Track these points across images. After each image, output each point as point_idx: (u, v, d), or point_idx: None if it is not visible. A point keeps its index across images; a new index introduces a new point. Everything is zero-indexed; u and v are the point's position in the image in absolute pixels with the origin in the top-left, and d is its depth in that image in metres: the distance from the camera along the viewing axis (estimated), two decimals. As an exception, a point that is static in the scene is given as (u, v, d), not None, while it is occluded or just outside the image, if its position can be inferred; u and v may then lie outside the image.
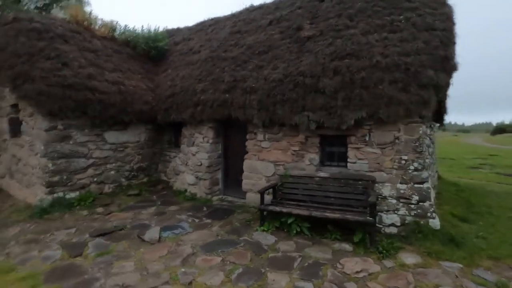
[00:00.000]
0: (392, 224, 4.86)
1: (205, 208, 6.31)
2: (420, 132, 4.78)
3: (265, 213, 5.21)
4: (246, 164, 6.43)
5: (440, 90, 4.85)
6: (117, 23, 9.07)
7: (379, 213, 4.96)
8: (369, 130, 5.13)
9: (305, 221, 4.88)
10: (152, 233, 4.86)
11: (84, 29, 7.95)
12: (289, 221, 4.89)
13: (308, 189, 5.39)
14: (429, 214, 4.64)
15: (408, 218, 4.76)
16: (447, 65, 5.01)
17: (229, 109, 6.23)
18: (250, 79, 6.18)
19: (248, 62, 6.61)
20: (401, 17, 5.62)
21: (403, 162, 4.86)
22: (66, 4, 20.13)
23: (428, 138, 6.36)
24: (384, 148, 5.02)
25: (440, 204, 6.10)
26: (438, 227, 4.61)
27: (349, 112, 4.99)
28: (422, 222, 4.64)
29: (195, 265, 3.90)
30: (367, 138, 5.15)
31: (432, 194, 5.09)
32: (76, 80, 6.33)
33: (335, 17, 6.37)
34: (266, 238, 4.76)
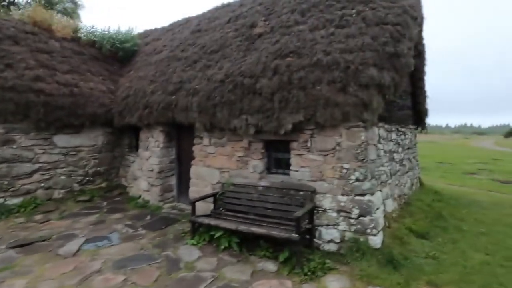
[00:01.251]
0: (332, 240, 4.35)
1: (149, 217, 5.95)
2: (362, 138, 4.26)
3: (196, 225, 4.79)
4: (193, 170, 6.04)
5: (386, 90, 4.32)
6: (82, 23, 8.85)
7: (318, 228, 4.47)
8: (311, 135, 4.64)
9: (235, 235, 4.43)
10: (71, 246, 4.53)
11: (42, 30, 7.77)
12: (217, 235, 4.46)
13: (249, 199, 4.95)
14: (369, 231, 4.11)
15: (348, 234, 4.24)
16: (397, 63, 4.49)
17: (173, 112, 5.87)
18: (196, 80, 5.80)
19: (198, 62, 6.23)
20: (353, 10, 5.12)
21: (344, 171, 4.35)
22: (31, 7, 20.39)
23: (391, 143, 5.82)
24: (326, 155, 4.52)
25: (402, 217, 5.52)
26: (379, 245, 4.07)
27: (287, 115, 4.53)
28: (361, 239, 4.12)
29: (91, 285, 3.52)
30: (309, 144, 4.67)
31: (379, 207, 4.55)
32: (18, 82, 6.10)
33: (288, 13, 5.92)
34: (191, 253, 4.35)
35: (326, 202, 4.46)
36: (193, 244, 4.59)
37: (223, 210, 5.10)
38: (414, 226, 5.04)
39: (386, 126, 5.53)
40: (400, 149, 6.53)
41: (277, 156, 5.26)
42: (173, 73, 6.45)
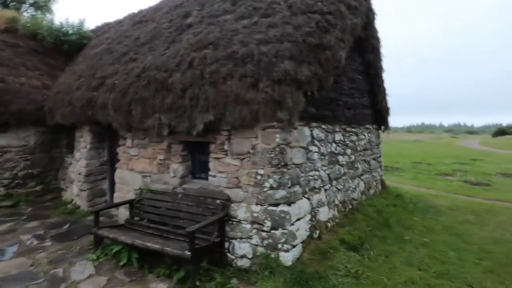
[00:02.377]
0: (244, 256, 3.86)
1: (67, 225, 5.40)
2: (277, 140, 3.75)
3: (99, 237, 4.26)
4: (117, 174, 5.50)
5: (306, 86, 3.82)
6: (22, 14, 8.21)
7: (232, 241, 3.97)
8: (227, 137, 4.13)
9: (135, 249, 3.91)
10: (-49, 262, 3.98)
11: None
12: (115, 249, 3.94)
13: (165, 208, 4.44)
14: (279, 246, 3.62)
15: (260, 249, 3.75)
16: (322, 56, 4.00)
17: (93, 110, 5.31)
18: (117, 75, 5.25)
19: (126, 55, 5.68)
20: (283, -2, 4.61)
21: (259, 177, 3.85)
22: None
23: (333, 145, 5.34)
24: (243, 159, 4.02)
25: (340, 226, 5.06)
26: (290, 262, 3.59)
27: (198, 114, 4.01)
28: (272, 255, 3.63)
29: None
30: (225, 147, 4.16)
31: (302, 217, 4.06)
32: None
33: (221, 1, 5.40)
34: (84, 271, 3.82)
35: (241, 212, 3.96)
36: (93, 260, 4.07)
37: (138, 220, 4.59)
38: (348, 237, 4.57)
39: (324, 126, 5.05)
40: (349, 151, 6.06)
41: (201, 159, 4.75)
42: (99, 68, 5.89)
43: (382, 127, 8.36)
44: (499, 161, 16.77)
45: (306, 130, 4.49)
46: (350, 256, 4.13)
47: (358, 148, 6.70)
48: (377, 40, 6.65)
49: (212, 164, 4.31)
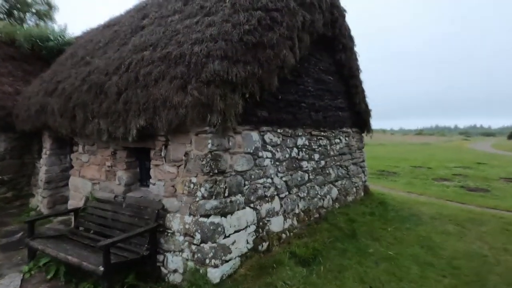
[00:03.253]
0: (176, 270, 3.60)
1: (20, 234, 5.28)
2: (209, 146, 3.49)
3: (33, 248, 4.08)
4: (70, 181, 5.36)
5: (242, 88, 3.55)
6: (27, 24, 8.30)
7: (166, 254, 3.72)
8: (165, 143, 3.91)
9: (64, 262, 3.71)
10: None
11: None
12: (43, 261, 3.76)
13: (107, 217, 4.24)
14: (208, 261, 3.34)
15: (190, 264, 3.48)
16: (262, 55, 3.73)
17: (45, 116, 5.20)
18: (69, 79, 5.12)
19: (84, 59, 5.56)
20: (230, -5, 4.37)
21: (192, 186, 3.59)
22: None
23: (294, 150, 5.03)
24: (179, 166, 3.78)
25: (300, 236, 4.73)
26: (218, 279, 3.30)
27: (132, 119, 3.79)
28: (201, 271, 3.35)
29: None
30: (163, 153, 3.93)
31: (242, 229, 3.76)
32: None
33: (176, 1, 5.21)
34: (10, 283, 3.65)
35: (175, 223, 3.71)
36: (25, 272, 3.89)
37: (82, 230, 4.41)
38: (301, 250, 4.23)
39: (280, 130, 4.76)
40: (317, 156, 5.72)
41: (147, 166, 4.53)
42: (59, 73, 5.80)
43: (365, 131, 7.97)
44: (506, 165, 15.88)
45: (254, 135, 4.21)
46: (296, 272, 3.80)
47: (331, 153, 6.35)
48: (349, 38, 6.30)
49: (152, 172, 4.09)
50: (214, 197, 3.47)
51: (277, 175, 4.62)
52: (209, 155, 3.48)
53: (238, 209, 3.75)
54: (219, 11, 4.14)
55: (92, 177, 4.91)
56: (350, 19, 6.15)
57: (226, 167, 3.65)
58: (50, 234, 4.53)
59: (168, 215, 3.78)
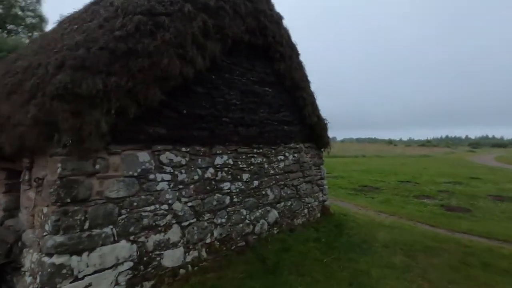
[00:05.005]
0: (21, 319, 3.03)
1: None
2: (59, 170, 2.96)
3: None
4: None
5: (106, 102, 3.04)
6: None
7: (16, 297, 3.16)
8: (29, 164, 3.41)
9: None
10: None
11: None
12: None
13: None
14: (41, 312, 2.76)
15: (30, 313, 2.91)
16: (134, 64, 3.24)
17: None
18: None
19: None
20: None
21: (42, 217, 3.06)
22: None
23: (210, 170, 4.48)
24: (38, 192, 3.26)
25: (206, 271, 4.11)
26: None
27: (-12, 138, 3.32)
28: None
29: None
30: (27, 177, 3.43)
31: (102, 270, 3.18)
32: None
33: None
34: None
35: (27, 260, 3.17)
36: None
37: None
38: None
39: (187, 149, 4.21)
40: (246, 176, 5.14)
41: (33, 188, 4.04)
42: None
43: (322, 146, 7.35)
44: (501, 180, 14.84)
45: (143, 155, 3.67)
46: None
47: (271, 172, 5.75)
48: (288, 47, 5.79)
49: (21, 197, 3.58)
50: (62, 231, 2.92)
51: (179, 200, 4.05)
52: (59, 181, 2.95)
53: (103, 244, 3.19)
54: (100, 16, 3.70)
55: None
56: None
57: (88, 195, 3.11)
58: None
59: (24, 250, 3.24)
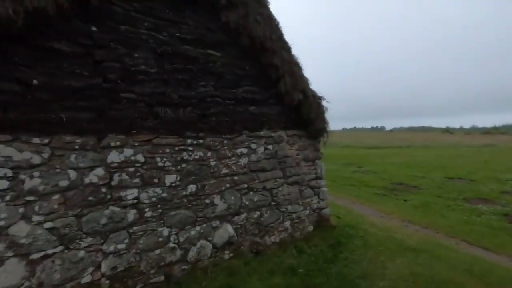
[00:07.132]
0: None
1: None
2: None
3: None
4: None
5: None
6: None
7: None
8: None
9: None
10: None
11: None
12: None
13: None
14: None
15: None
16: None
17: None
18: None
19: None
20: None
21: None
22: None
23: (93, 172, 2.98)
24: None
25: None
26: None
27: None
28: None
29: None
30: None
31: None
32: None
33: None
34: None
35: None
36: None
37: None
38: None
39: (45, 140, 2.73)
40: (173, 178, 3.53)
41: None
42: None
43: (316, 133, 5.36)
44: None
45: None
46: None
47: (224, 171, 4.04)
48: (270, 18, 3.95)
49: None
50: None
51: (26, 219, 2.59)
52: None
53: None
54: None
55: None
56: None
57: None
58: None
59: None
